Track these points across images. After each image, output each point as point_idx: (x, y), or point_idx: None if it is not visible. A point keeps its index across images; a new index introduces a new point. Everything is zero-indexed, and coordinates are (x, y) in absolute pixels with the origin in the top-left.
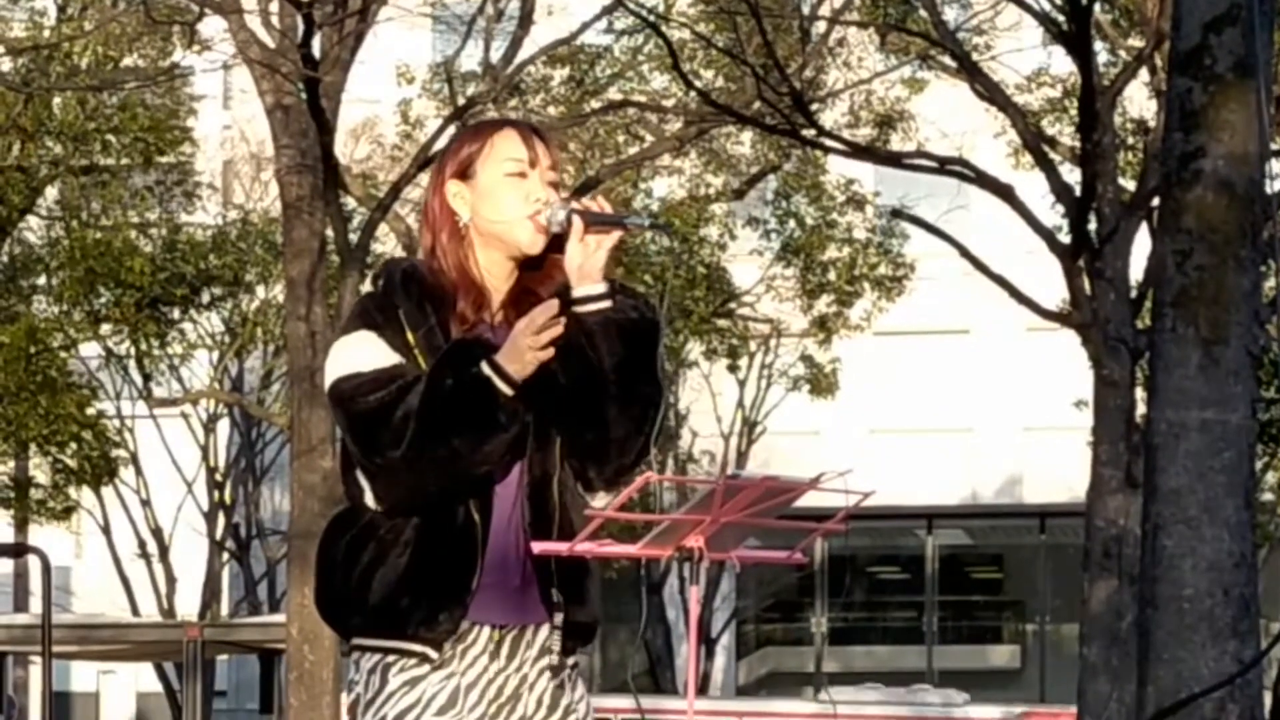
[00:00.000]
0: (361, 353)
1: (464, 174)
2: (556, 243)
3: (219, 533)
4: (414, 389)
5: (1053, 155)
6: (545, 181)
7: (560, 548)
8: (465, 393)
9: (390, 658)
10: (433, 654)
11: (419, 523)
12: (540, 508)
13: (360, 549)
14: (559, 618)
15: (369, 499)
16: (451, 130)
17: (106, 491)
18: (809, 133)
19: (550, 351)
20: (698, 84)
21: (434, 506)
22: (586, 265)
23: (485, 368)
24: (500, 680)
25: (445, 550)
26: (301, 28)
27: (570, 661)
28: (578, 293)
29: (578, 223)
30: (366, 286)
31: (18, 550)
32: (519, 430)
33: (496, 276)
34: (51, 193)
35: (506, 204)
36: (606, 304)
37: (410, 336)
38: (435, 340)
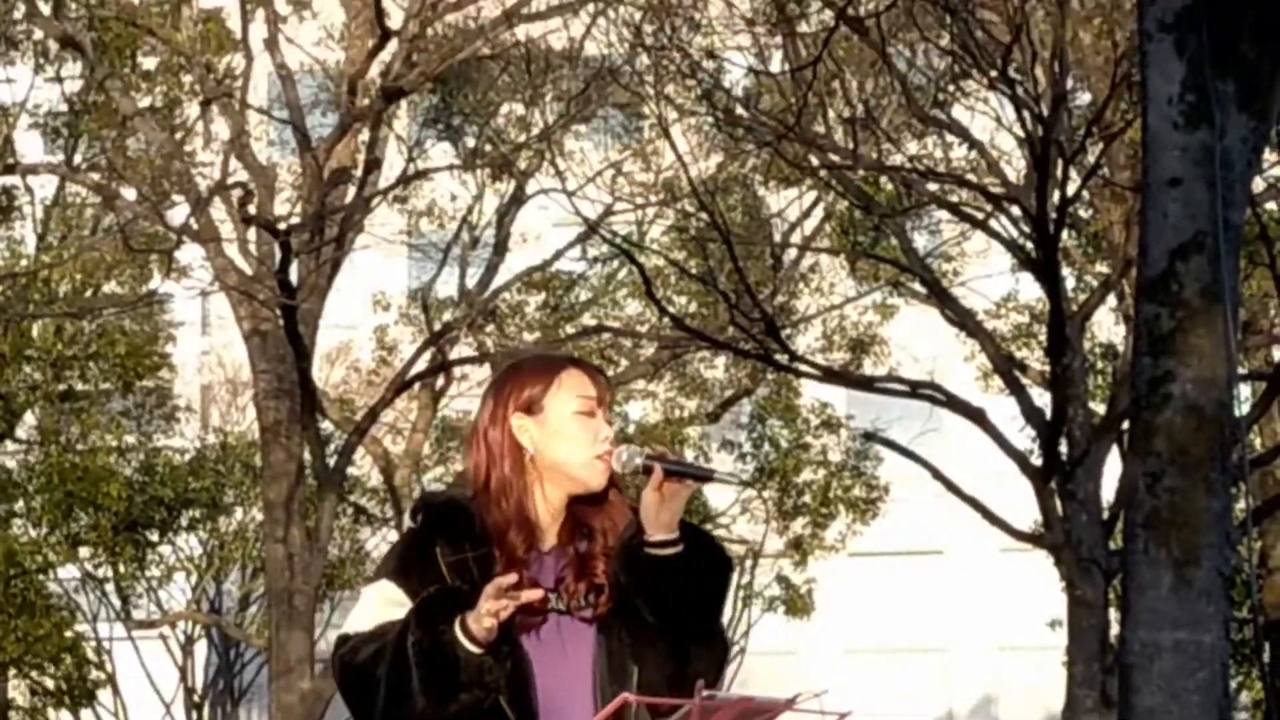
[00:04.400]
0: (367, 610)
1: (529, 409)
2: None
3: None
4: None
5: (1023, 379)
6: (607, 420)
7: None
8: (427, 653)
9: None
10: None
11: None
12: None
13: None
14: None
15: None
16: (427, 355)
17: (85, 714)
18: (782, 357)
19: (506, 614)
20: (671, 310)
21: None
22: (664, 516)
23: (455, 628)
24: None
25: None
26: (279, 255)
27: None
28: (652, 538)
29: (657, 470)
30: (407, 522)
31: None
32: (484, 693)
33: (552, 509)
34: (30, 418)
35: (577, 443)
36: (679, 549)
37: (446, 575)
38: (471, 577)
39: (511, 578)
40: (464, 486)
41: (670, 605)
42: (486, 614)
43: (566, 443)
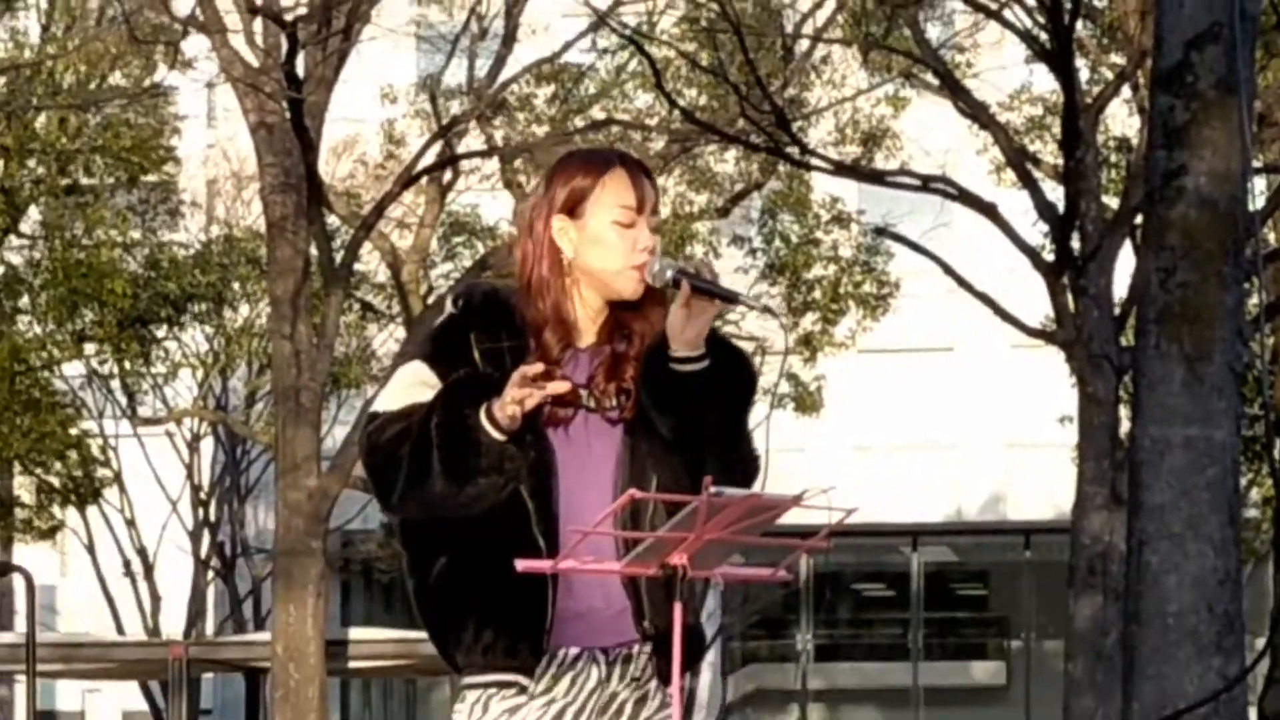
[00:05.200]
0: (397, 390)
1: (572, 211)
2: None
3: (204, 551)
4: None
5: (1036, 173)
6: (650, 226)
7: (544, 565)
8: (449, 435)
9: (492, 689)
10: (525, 681)
11: (492, 555)
12: (635, 542)
13: (457, 581)
14: (649, 646)
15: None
16: (435, 148)
17: (91, 510)
18: (793, 151)
19: (532, 403)
20: (681, 102)
21: (500, 543)
22: (689, 333)
23: (480, 412)
24: (604, 697)
25: (516, 585)
26: (285, 46)
27: (678, 685)
28: (675, 354)
29: (685, 285)
30: (448, 307)
31: (2, 569)
32: (503, 479)
33: (590, 310)
34: (34, 212)
35: (614, 254)
36: (704, 364)
37: (479, 361)
38: (504, 365)
39: (538, 367)
40: (483, 281)
41: (688, 424)
42: (511, 401)
43: (603, 251)
